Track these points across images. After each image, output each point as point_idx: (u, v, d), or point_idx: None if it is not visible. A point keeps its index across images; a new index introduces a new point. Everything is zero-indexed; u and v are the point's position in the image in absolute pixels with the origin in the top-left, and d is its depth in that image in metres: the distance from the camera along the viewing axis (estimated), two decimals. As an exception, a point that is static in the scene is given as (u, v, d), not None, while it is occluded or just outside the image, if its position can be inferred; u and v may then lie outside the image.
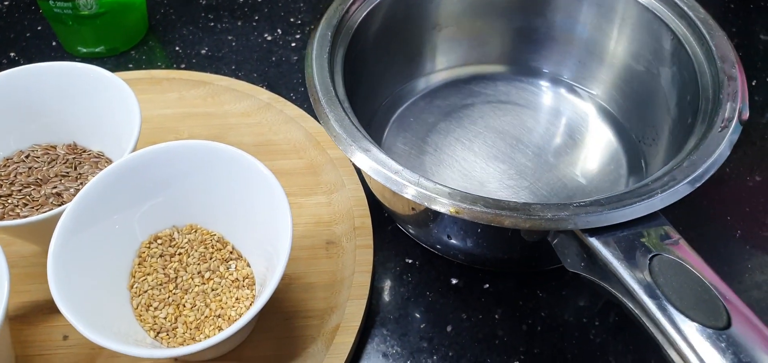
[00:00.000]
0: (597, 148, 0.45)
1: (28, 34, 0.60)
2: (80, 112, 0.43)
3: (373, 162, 0.33)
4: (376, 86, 0.46)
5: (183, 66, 0.57)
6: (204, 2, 0.63)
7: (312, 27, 0.41)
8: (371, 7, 0.43)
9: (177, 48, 0.58)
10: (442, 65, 0.50)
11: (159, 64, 0.57)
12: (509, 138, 0.46)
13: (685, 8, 0.40)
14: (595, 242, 0.29)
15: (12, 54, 0.58)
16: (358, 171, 0.46)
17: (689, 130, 0.35)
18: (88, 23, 0.54)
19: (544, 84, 0.50)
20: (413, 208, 0.37)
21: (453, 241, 0.39)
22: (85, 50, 0.57)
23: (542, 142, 0.46)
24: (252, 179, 0.37)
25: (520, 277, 0.42)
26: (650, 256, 0.28)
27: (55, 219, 0.34)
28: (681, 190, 0.30)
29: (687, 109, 0.37)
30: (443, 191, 0.31)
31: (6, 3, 0.63)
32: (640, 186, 0.30)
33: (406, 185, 0.32)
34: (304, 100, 0.53)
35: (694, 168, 0.31)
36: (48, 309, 0.39)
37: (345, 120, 0.35)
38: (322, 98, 0.36)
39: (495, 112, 0.48)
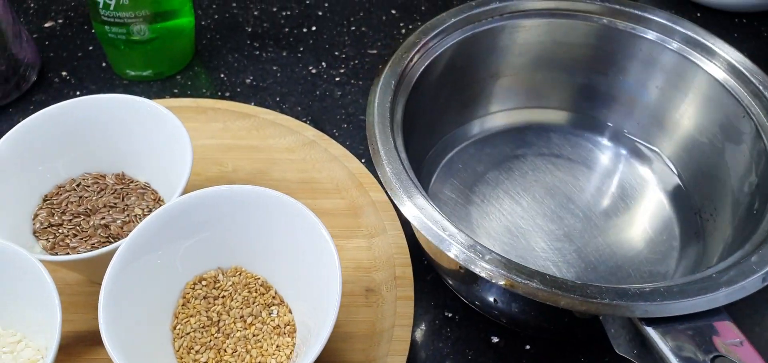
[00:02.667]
0: (650, 216, 0.45)
1: (79, 54, 0.61)
2: (131, 143, 0.44)
3: (428, 221, 0.33)
4: (430, 131, 0.46)
5: (228, 94, 0.57)
6: (250, 30, 0.64)
7: (375, 76, 0.41)
8: (433, 56, 0.43)
9: (222, 75, 0.59)
10: (497, 113, 0.50)
11: (204, 90, 0.57)
12: (560, 195, 0.46)
13: (761, 87, 0.39)
14: (652, 333, 0.28)
15: (64, 73, 0.59)
16: (401, 217, 0.45)
17: (757, 218, 0.34)
18: (139, 48, 0.55)
19: (601, 142, 0.49)
20: (461, 268, 0.37)
21: (497, 303, 0.38)
22: (133, 73, 0.58)
23: (593, 203, 0.45)
24: (299, 225, 0.37)
25: (562, 342, 0.41)
26: (712, 356, 0.27)
27: (107, 255, 0.35)
28: (749, 286, 0.29)
29: (754, 194, 0.36)
30: (499, 261, 0.31)
31: (60, 22, 0.64)
32: (703, 277, 0.30)
33: (459, 249, 0.32)
34: (346, 138, 0.53)
35: (765, 263, 0.30)
36: (90, 340, 0.40)
37: (402, 173, 0.35)
38: (381, 149, 0.37)
39: (547, 166, 0.47)
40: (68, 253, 0.39)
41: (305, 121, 0.54)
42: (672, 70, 0.44)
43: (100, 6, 0.52)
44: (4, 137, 0.41)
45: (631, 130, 0.48)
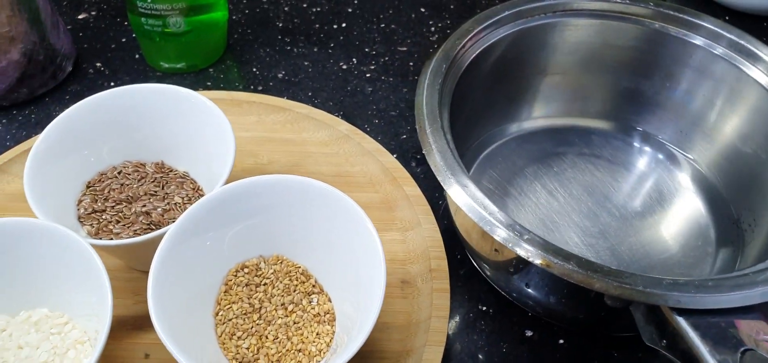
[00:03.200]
0: (686, 220, 0.45)
1: (113, 46, 0.62)
2: (171, 133, 0.45)
3: (470, 199, 0.34)
4: (473, 123, 0.47)
5: (260, 88, 0.58)
6: (280, 25, 0.65)
7: (426, 58, 0.42)
8: (484, 47, 0.44)
9: (254, 69, 0.60)
10: (540, 111, 0.50)
11: (236, 84, 0.58)
12: (597, 194, 0.46)
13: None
14: (683, 323, 0.29)
15: (98, 64, 0.60)
16: (436, 212, 0.46)
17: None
18: (174, 40, 0.56)
19: (640, 146, 0.49)
20: (496, 249, 0.37)
21: (532, 292, 0.39)
22: (167, 65, 0.58)
23: (629, 204, 0.46)
24: (342, 216, 0.37)
25: (595, 336, 0.41)
26: (742, 349, 0.27)
27: (153, 241, 0.35)
28: (787, 288, 0.29)
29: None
30: (538, 243, 0.31)
31: (93, 14, 0.65)
32: (740, 274, 0.30)
33: (498, 228, 0.32)
34: (378, 133, 0.54)
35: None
36: (131, 325, 0.40)
37: (447, 153, 0.36)
38: (427, 128, 0.37)
39: (586, 165, 0.48)
40: (112, 239, 0.40)
41: (337, 116, 0.55)
42: (720, 78, 0.44)
43: None
44: (51, 124, 0.41)
45: (671, 135, 0.48)
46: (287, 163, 0.50)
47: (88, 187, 0.43)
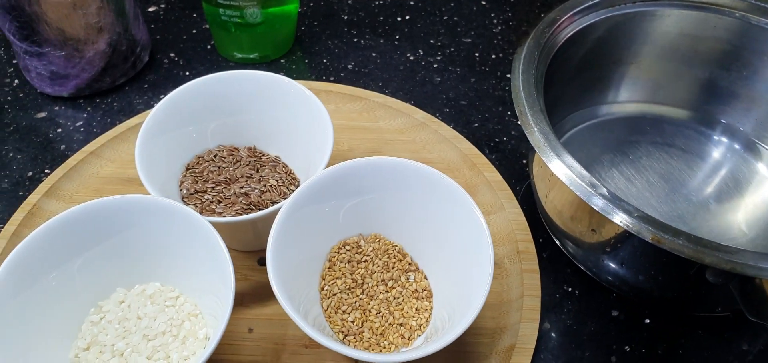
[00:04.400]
0: (763, 206, 0.46)
1: (184, 37, 0.64)
2: (262, 119, 0.46)
3: (576, 177, 0.35)
4: (552, 109, 0.48)
5: (332, 78, 0.59)
6: (346, 17, 0.66)
7: (518, 43, 0.43)
8: (571, 34, 0.45)
9: (324, 60, 0.61)
10: (616, 98, 0.52)
11: (309, 74, 0.60)
12: (673, 181, 0.47)
13: None
14: None
15: (172, 54, 0.62)
16: (518, 196, 0.47)
17: None
18: (249, 31, 0.58)
19: (716, 136, 0.50)
20: (593, 229, 0.39)
21: (624, 271, 0.40)
22: (240, 55, 0.60)
23: (707, 191, 0.47)
24: (444, 198, 0.39)
25: (680, 316, 0.42)
26: None
27: (269, 217, 0.37)
28: None
29: None
30: (647, 219, 0.33)
31: (163, 7, 0.67)
32: None
33: (604, 203, 0.33)
34: (450, 121, 0.55)
35: None
36: (234, 301, 0.42)
37: (548, 132, 0.37)
38: (527, 111, 0.39)
39: (660, 153, 0.49)
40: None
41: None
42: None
43: None
44: (156, 107, 0.43)
45: (748, 126, 0.49)
46: (366, 149, 0.52)
47: (187, 169, 0.44)
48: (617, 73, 0.51)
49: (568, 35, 0.46)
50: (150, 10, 0.67)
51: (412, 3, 0.68)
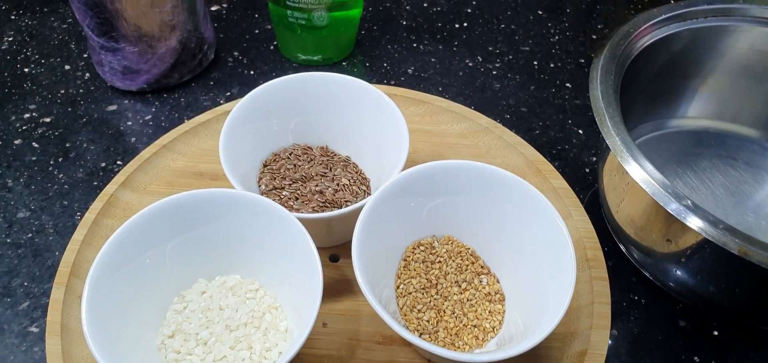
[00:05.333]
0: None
1: (247, 36, 0.65)
2: (335, 120, 0.47)
3: (657, 184, 0.35)
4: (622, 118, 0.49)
5: (393, 82, 0.60)
6: (404, 23, 0.67)
7: (594, 54, 0.44)
8: (644, 46, 0.45)
9: (385, 64, 0.62)
10: (681, 112, 0.52)
11: (370, 78, 0.61)
12: (739, 194, 0.47)
13: None
14: None
15: (235, 53, 0.63)
16: (583, 203, 0.48)
17: None
18: (315, 33, 0.59)
19: None
20: (669, 239, 0.39)
21: (695, 281, 0.40)
22: (303, 57, 0.61)
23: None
24: (522, 204, 0.39)
25: (748, 328, 0.43)
26: None
27: (344, 216, 0.38)
28: None
29: None
30: (732, 230, 0.33)
31: (225, 6, 0.69)
32: None
33: (690, 215, 0.34)
34: (511, 127, 0.56)
35: None
36: (306, 295, 0.43)
37: (629, 142, 0.38)
38: (607, 119, 0.39)
39: (726, 167, 0.49)
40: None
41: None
42: None
43: None
44: (237, 106, 0.44)
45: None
46: (430, 152, 0.52)
47: (265, 165, 0.46)
48: (685, 86, 0.51)
49: (641, 48, 0.46)
50: (213, 9, 0.68)
51: (469, 10, 0.69)
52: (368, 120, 0.46)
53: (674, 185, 0.47)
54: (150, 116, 0.56)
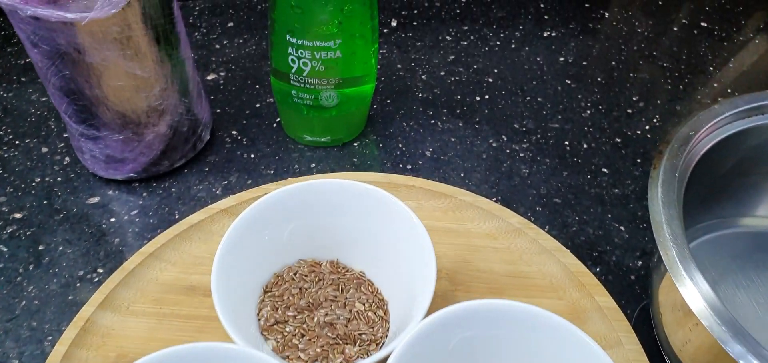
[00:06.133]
0: None
1: (247, 111, 0.59)
2: (345, 230, 0.41)
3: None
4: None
5: (409, 167, 0.54)
6: (420, 95, 0.61)
7: (653, 165, 0.38)
8: (705, 149, 0.39)
9: (400, 145, 0.56)
10: (741, 212, 0.46)
11: (384, 161, 0.54)
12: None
13: None
14: None
15: (234, 132, 0.57)
16: (633, 323, 0.41)
17: None
18: (323, 113, 0.53)
19: None
20: None
21: None
22: (310, 138, 0.55)
23: None
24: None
25: None
26: None
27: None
28: None
29: None
30: None
31: (222, 74, 0.63)
32: None
33: None
34: (544, 223, 0.49)
35: None
36: None
37: (708, 292, 0.31)
38: (675, 255, 0.33)
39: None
40: (299, 356, 0.36)
41: (495, 202, 0.51)
42: None
43: (293, 71, 0.50)
44: (231, 228, 0.38)
45: None
46: (455, 257, 0.46)
47: (265, 292, 0.39)
48: (745, 184, 0.45)
49: (702, 152, 0.40)
50: (209, 77, 0.62)
51: (490, 80, 0.63)
52: (379, 229, 0.39)
53: (732, 299, 0.42)
54: (137, 211, 0.50)
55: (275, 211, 0.39)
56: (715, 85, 0.62)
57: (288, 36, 0.48)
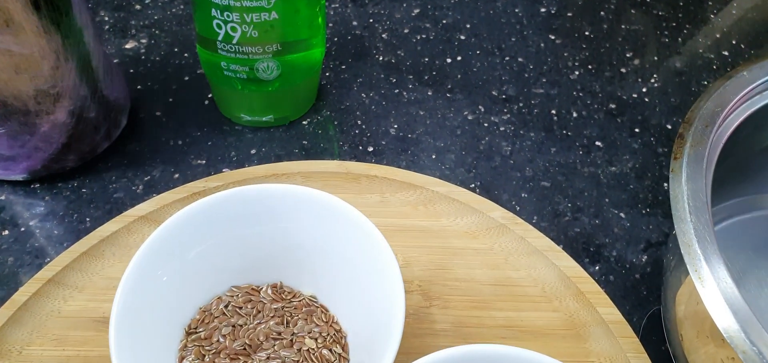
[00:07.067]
0: None
1: (173, 87, 0.49)
2: (289, 246, 0.32)
3: None
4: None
5: (371, 149, 0.45)
6: (381, 58, 0.52)
7: (675, 153, 0.30)
8: (733, 127, 0.32)
9: (359, 122, 0.47)
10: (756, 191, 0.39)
11: (341, 143, 0.46)
12: None
13: None
14: None
15: (157, 113, 0.47)
16: (638, 332, 0.34)
17: None
18: (262, 88, 0.43)
19: None
20: None
21: None
22: (249, 118, 0.46)
23: None
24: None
25: None
26: None
27: None
28: None
29: None
30: None
31: (143, 42, 0.52)
32: None
33: None
34: (531, 213, 0.42)
35: None
36: None
37: (749, 318, 0.24)
38: (706, 270, 0.25)
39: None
40: (234, 423, 0.28)
41: (474, 189, 0.43)
42: None
43: (220, 38, 0.40)
44: (137, 254, 0.29)
45: None
46: (429, 263, 0.38)
47: (188, 334, 0.30)
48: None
49: (731, 131, 0.32)
50: (127, 47, 0.52)
51: (462, 37, 0.54)
52: (330, 242, 0.31)
53: (763, 291, 0.35)
54: (36, 221, 0.40)
55: (199, 226, 0.30)
56: (718, 35, 0.55)
57: (212, -4, 0.38)
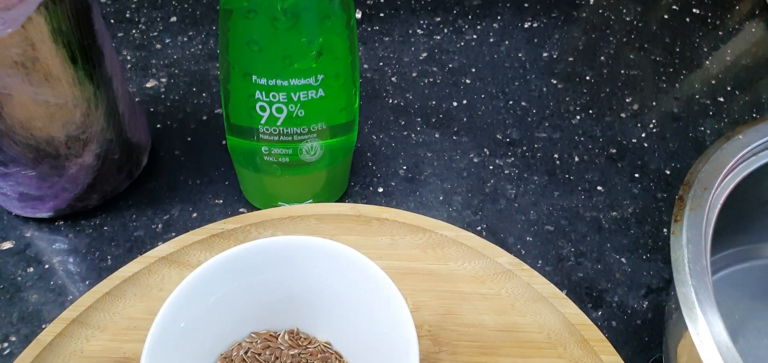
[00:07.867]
0: None
1: (192, 126, 0.51)
2: (306, 293, 0.34)
3: None
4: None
5: (381, 190, 0.47)
6: (391, 101, 0.54)
7: (675, 215, 0.31)
8: (729, 190, 0.34)
9: (369, 163, 0.49)
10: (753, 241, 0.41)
11: (351, 184, 0.47)
12: None
13: None
14: None
15: (176, 152, 0.49)
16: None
17: None
18: (302, 172, 0.42)
19: None
20: None
21: None
22: (283, 205, 0.44)
23: None
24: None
25: None
26: None
27: None
28: None
29: None
30: None
31: (163, 81, 0.54)
32: None
33: None
34: (536, 257, 0.43)
35: None
36: None
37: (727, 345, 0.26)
38: (703, 321, 0.27)
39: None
40: None
41: (480, 232, 0.45)
42: None
43: (262, 122, 0.39)
44: (162, 310, 0.30)
45: None
46: (438, 307, 0.40)
47: (212, 379, 0.32)
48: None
49: (728, 191, 0.34)
50: (148, 86, 0.54)
51: (468, 81, 0.56)
52: (346, 291, 0.33)
53: (760, 342, 0.37)
54: (59, 259, 0.42)
55: (222, 274, 0.32)
56: (713, 82, 0.57)
57: (254, 78, 0.37)
